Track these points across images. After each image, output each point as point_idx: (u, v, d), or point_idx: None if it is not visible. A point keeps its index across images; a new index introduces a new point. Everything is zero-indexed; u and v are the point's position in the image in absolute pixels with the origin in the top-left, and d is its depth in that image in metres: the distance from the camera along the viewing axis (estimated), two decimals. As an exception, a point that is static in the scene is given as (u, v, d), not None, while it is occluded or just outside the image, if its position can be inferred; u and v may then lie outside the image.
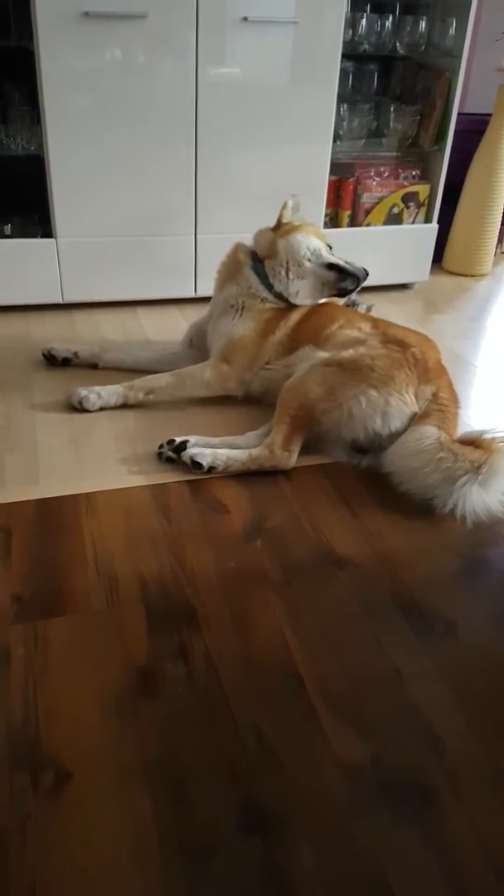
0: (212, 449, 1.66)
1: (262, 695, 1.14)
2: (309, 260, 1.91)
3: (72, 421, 1.85)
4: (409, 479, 1.59)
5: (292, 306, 1.94)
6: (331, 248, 1.99)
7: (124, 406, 1.90)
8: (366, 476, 1.71)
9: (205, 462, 1.63)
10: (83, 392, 1.88)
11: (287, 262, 1.91)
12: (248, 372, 1.92)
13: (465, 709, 1.13)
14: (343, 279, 1.91)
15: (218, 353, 1.92)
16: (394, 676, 1.19)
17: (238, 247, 2.02)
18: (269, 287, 1.92)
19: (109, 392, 1.89)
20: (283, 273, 1.91)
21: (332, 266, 1.91)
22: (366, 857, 0.93)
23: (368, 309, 2.30)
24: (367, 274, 1.93)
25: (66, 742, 1.04)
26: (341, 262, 1.93)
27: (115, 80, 2.19)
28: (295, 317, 1.93)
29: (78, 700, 1.11)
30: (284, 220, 1.98)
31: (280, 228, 1.96)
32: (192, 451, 1.65)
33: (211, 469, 1.64)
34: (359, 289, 1.96)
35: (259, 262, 1.95)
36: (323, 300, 2.01)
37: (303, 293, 1.92)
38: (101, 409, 1.89)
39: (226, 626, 1.26)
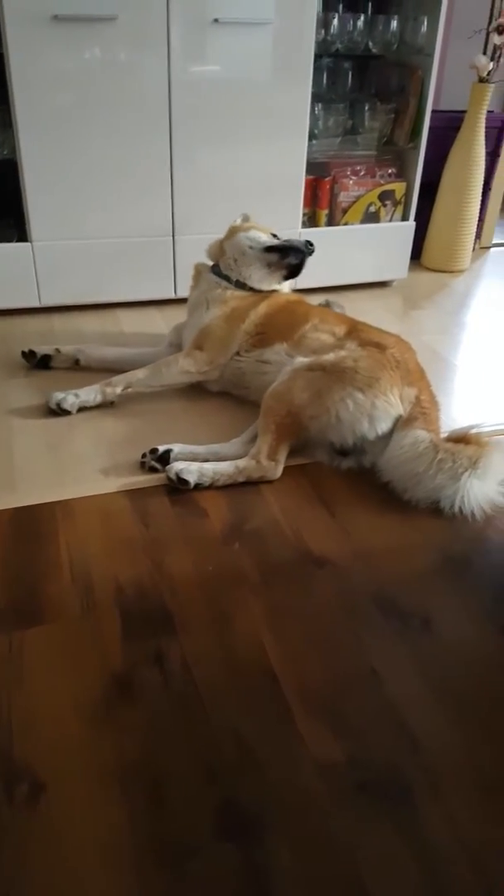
0: (198, 464, 1.65)
1: (240, 697, 1.14)
2: (251, 247, 2.03)
3: (50, 427, 1.85)
4: (414, 484, 1.60)
5: (259, 295, 2.01)
6: (276, 236, 2.10)
7: (103, 406, 1.91)
8: (345, 476, 1.71)
9: (191, 479, 1.62)
10: (60, 394, 1.88)
11: (234, 257, 2.04)
12: (222, 356, 1.95)
13: (441, 706, 1.14)
14: (285, 256, 2.01)
15: (191, 342, 1.97)
16: (370, 675, 1.19)
17: (197, 264, 2.17)
18: (229, 280, 2.04)
19: (87, 391, 1.90)
20: (233, 264, 2.04)
21: (270, 248, 2.02)
22: (343, 856, 0.93)
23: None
24: (312, 245, 2.03)
25: (42, 752, 1.04)
26: (278, 242, 2.05)
27: (87, 82, 2.18)
28: (263, 308, 1.97)
29: (53, 709, 1.11)
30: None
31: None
32: (177, 466, 1.63)
33: (198, 486, 1.63)
34: (305, 264, 2.04)
35: (216, 266, 2.09)
36: (294, 297, 2.05)
37: (256, 277, 2.03)
38: (81, 409, 1.89)
39: (203, 629, 1.26)
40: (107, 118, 2.24)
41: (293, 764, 1.04)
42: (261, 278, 2.03)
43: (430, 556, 1.47)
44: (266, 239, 2.06)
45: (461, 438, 1.65)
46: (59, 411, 1.88)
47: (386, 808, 0.99)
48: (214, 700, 1.13)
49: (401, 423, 1.68)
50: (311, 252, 2.02)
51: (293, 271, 2.03)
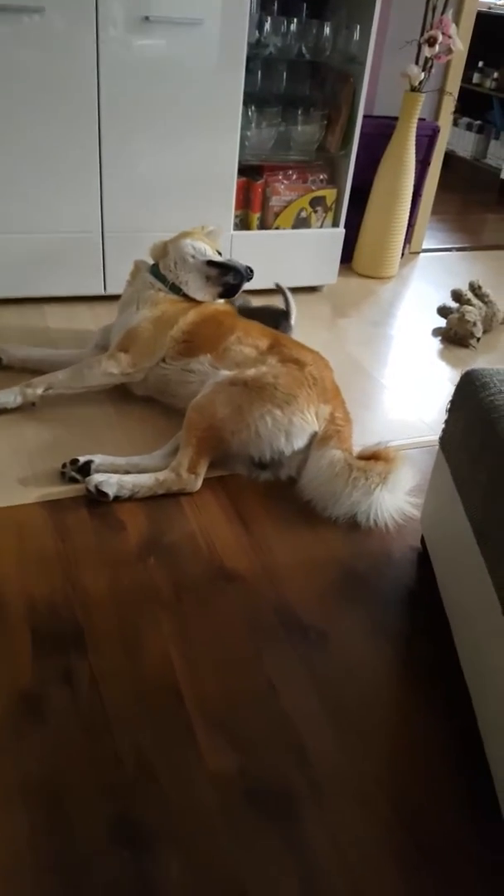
0: (118, 476, 1.68)
1: (144, 714, 1.21)
2: (193, 256, 2.04)
3: (-31, 433, 1.85)
4: (333, 503, 1.68)
5: (189, 303, 2.02)
6: (220, 253, 2.13)
7: (23, 409, 1.92)
8: (261, 489, 1.78)
9: (111, 491, 1.65)
10: None
11: (175, 260, 2.05)
12: (147, 360, 1.97)
13: (331, 720, 1.23)
14: (225, 274, 2.04)
15: (116, 343, 1.99)
16: (268, 689, 1.27)
17: (137, 261, 2.16)
18: (164, 281, 2.05)
19: (6, 393, 1.91)
20: (173, 266, 2.05)
21: (212, 263, 2.05)
22: (227, 864, 1.01)
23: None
24: (252, 272, 2.06)
25: None
26: (221, 259, 2.08)
27: (11, 71, 2.14)
28: (192, 316, 1.99)
29: (-40, 728, 1.15)
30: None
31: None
32: (97, 478, 1.66)
33: (117, 498, 1.66)
34: (243, 287, 2.08)
35: (156, 266, 2.09)
36: (222, 308, 2.09)
37: (192, 286, 2.05)
38: (1, 411, 1.90)
39: (113, 646, 1.32)
40: (33, 110, 2.21)
41: (189, 777, 1.12)
42: (196, 288, 2.04)
43: (333, 571, 1.56)
44: (211, 252, 2.08)
45: (372, 455, 1.74)
46: None
47: (272, 819, 1.08)
48: (119, 717, 1.20)
49: (317, 442, 1.75)
50: (249, 278, 2.05)
51: (229, 291, 2.06)
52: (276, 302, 2.38)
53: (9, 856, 1.00)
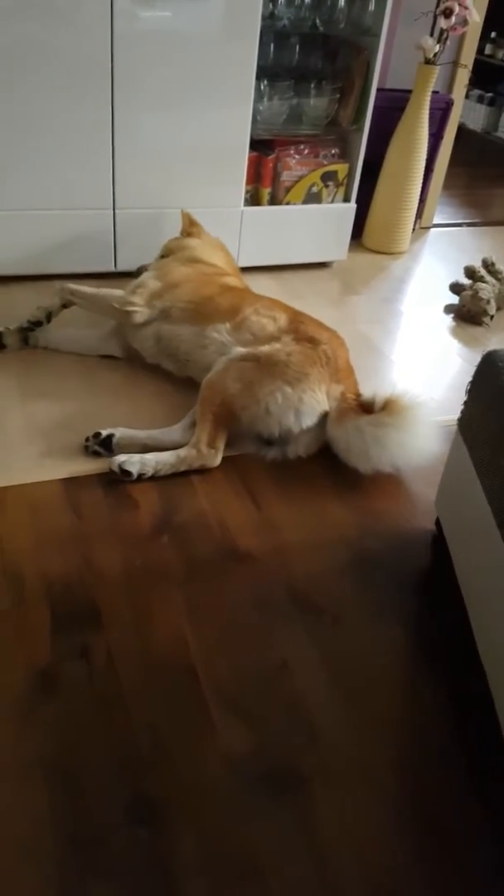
0: (139, 455, 1.69)
1: (159, 692, 1.22)
2: None
3: (-18, 411, 1.85)
4: (378, 461, 1.70)
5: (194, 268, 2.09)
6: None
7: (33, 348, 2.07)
8: (273, 468, 1.78)
9: (134, 470, 1.66)
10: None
11: None
12: (151, 303, 2.00)
13: (342, 701, 1.24)
14: None
15: (130, 286, 2.07)
16: (281, 669, 1.29)
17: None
18: None
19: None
20: None
21: None
22: (242, 843, 1.03)
23: None
24: None
25: (-32, 746, 1.10)
26: None
27: (24, 47, 2.10)
28: (193, 284, 2.01)
29: (-19, 704, 1.16)
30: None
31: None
32: (120, 459, 1.67)
33: (140, 476, 1.67)
34: None
35: None
36: (234, 281, 2.10)
37: None
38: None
39: (128, 624, 1.33)
40: (45, 86, 2.17)
41: (203, 756, 1.14)
42: None
43: (345, 551, 1.56)
44: None
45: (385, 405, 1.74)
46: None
47: (284, 798, 1.09)
48: (135, 695, 1.21)
49: (334, 420, 1.75)
50: None
51: None
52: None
53: (30, 831, 1.02)
